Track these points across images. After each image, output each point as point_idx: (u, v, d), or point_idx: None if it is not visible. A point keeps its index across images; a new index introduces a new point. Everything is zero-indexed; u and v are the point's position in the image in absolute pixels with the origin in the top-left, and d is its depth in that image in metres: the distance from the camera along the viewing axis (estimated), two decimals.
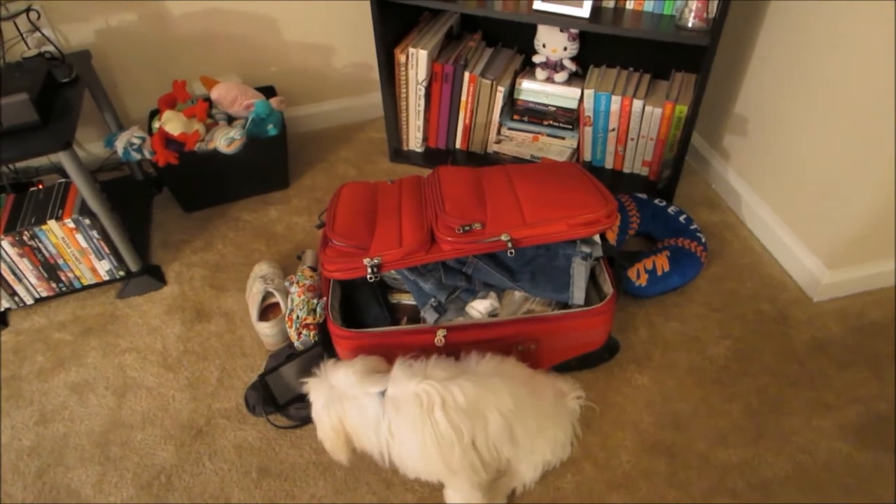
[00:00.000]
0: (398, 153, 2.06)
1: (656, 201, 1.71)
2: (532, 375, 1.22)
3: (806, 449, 1.27)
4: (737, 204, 1.81)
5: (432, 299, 1.32)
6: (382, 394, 1.07)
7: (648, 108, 1.76)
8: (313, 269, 1.50)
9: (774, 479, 1.23)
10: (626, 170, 1.94)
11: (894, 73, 1.24)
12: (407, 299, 1.42)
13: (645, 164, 1.90)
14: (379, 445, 1.08)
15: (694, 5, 1.48)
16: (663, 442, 1.29)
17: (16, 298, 1.58)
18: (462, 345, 1.26)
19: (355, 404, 1.07)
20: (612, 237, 1.60)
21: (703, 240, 1.62)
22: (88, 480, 1.28)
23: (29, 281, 1.56)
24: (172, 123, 1.68)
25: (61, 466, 1.31)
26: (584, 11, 1.55)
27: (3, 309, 1.59)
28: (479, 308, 1.33)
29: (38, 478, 1.29)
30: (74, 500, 1.25)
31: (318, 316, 1.39)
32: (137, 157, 1.67)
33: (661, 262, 1.55)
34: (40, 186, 1.64)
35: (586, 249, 1.33)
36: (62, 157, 1.38)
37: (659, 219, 1.68)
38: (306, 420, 1.34)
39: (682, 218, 1.66)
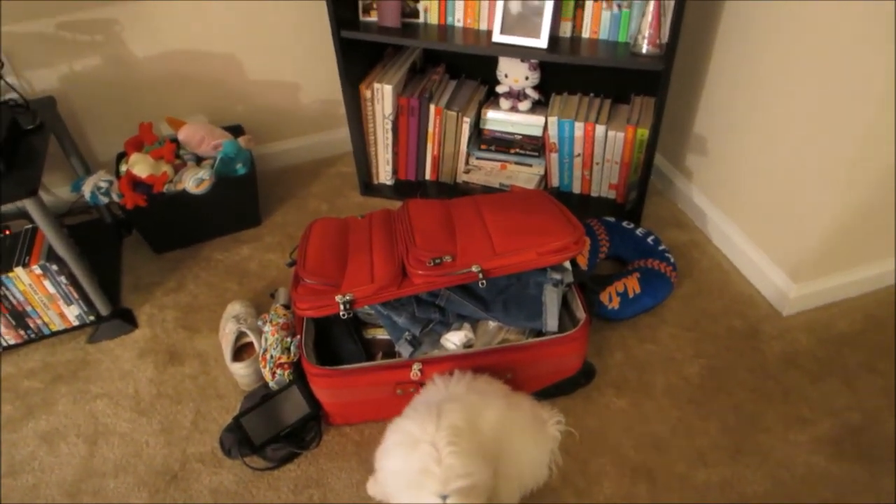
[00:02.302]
0: (369, 187, 2.07)
1: (624, 224, 1.74)
2: (507, 393, 1.22)
3: (783, 464, 1.29)
4: (703, 222, 1.85)
5: (406, 333, 1.32)
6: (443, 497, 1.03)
7: (611, 133, 1.79)
8: (286, 307, 1.49)
9: (754, 496, 1.24)
10: (594, 194, 1.98)
11: (849, 87, 1.29)
12: (381, 334, 1.42)
13: (612, 188, 1.93)
14: None
15: (647, 32, 1.52)
16: (643, 465, 1.30)
17: None
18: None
19: None
20: (582, 262, 1.62)
21: (672, 260, 1.64)
22: None
23: None
24: (140, 166, 1.68)
25: None
26: (542, 42, 1.59)
27: None
28: (454, 340, 1.33)
29: None
30: None
31: (292, 355, 1.37)
32: (105, 200, 1.66)
33: (632, 285, 1.56)
34: (7, 233, 1.61)
35: (557, 276, 1.34)
36: (28, 204, 1.36)
37: (628, 241, 1.71)
38: (283, 461, 1.32)
39: (650, 239, 1.69)
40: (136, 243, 1.91)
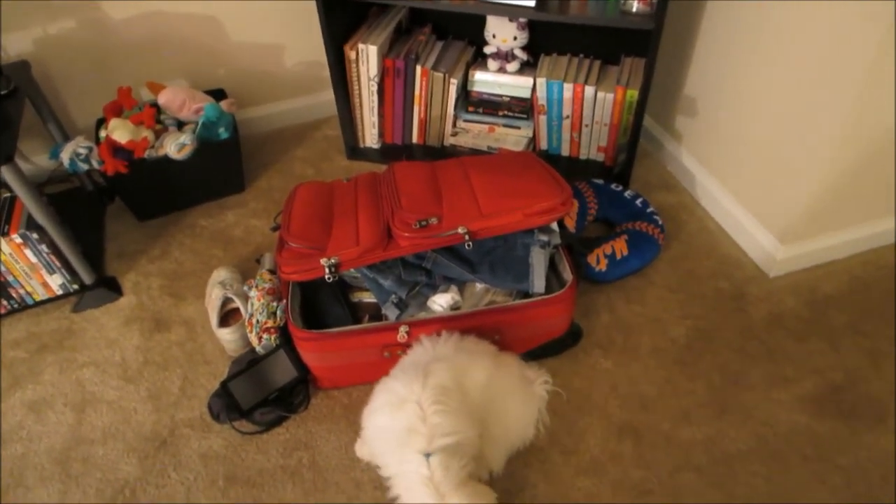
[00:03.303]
0: (355, 150, 2.04)
1: (613, 186, 1.73)
2: (495, 353, 1.23)
3: (766, 422, 1.30)
4: (691, 184, 1.84)
5: (393, 296, 1.31)
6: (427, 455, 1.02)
7: (600, 94, 1.77)
8: (272, 272, 1.48)
9: (737, 454, 1.25)
10: (583, 156, 1.96)
11: (842, 49, 1.27)
12: (368, 298, 1.42)
13: (600, 150, 1.92)
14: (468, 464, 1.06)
15: None
16: (629, 424, 1.31)
17: None
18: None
19: (444, 478, 1.01)
20: (570, 224, 1.61)
21: (660, 222, 1.64)
22: (50, 499, 1.25)
23: None
24: (119, 131, 1.64)
25: (21, 487, 1.27)
26: (530, 0, 1.55)
27: None
28: (441, 302, 1.33)
29: None
30: None
31: (278, 319, 1.37)
32: (85, 167, 1.63)
33: (620, 247, 1.56)
34: None
35: (544, 238, 1.34)
36: (3, 172, 1.33)
37: (616, 203, 1.70)
38: (272, 424, 1.33)
39: (638, 201, 1.68)
40: (119, 211, 1.89)
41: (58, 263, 1.53)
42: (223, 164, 1.84)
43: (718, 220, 1.75)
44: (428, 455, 1.00)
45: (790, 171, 1.48)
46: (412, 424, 1.03)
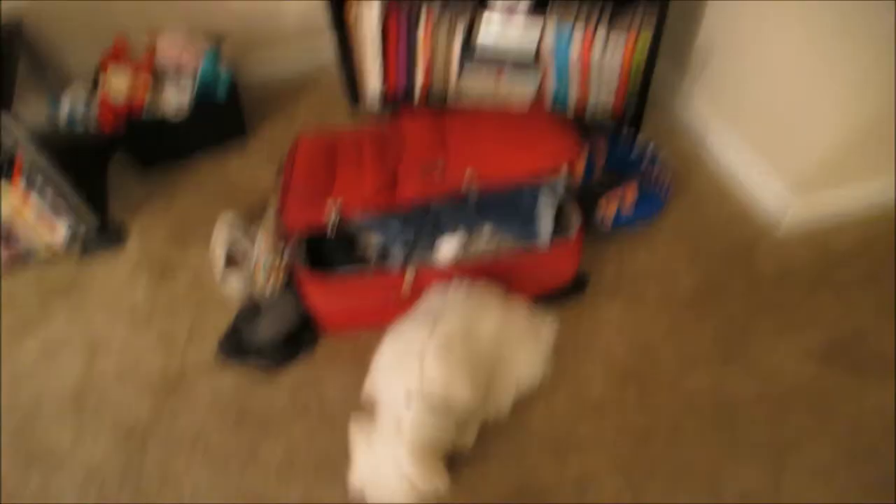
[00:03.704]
0: (358, 100, 2.01)
1: (623, 135, 1.70)
2: (505, 300, 1.23)
3: (772, 371, 1.31)
4: (704, 133, 1.81)
5: (399, 241, 1.31)
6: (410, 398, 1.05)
7: (611, 41, 1.72)
8: (278, 216, 1.48)
9: (741, 401, 1.26)
10: (592, 104, 1.92)
11: None
12: (374, 242, 1.41)
13: (610, 97, 1.88)
14: (451, 422, 1.08)
15: None
16: (634, 369, 1.32)
17: None
18: (431, 286, 1.26)
19: (413, 429, 1.03)
20: (578, 172, 1.59)
21: (670, 172, 1.62)
22: (66, 436, 1.28)
23: None
24: (117, 80, 1.62)
25: (38, 424, 1.30)
26: None
27: None
28: (447, 248, 1.32)
29: (17, 435, 1.29)
30: (54, 456, 1.25)
31: (284, 263, 1.37)
32: (84, 123, 1.62)
33: (629, 196, 1.54)
34: None
35: (551, 186, 1.32)
36: (3, 119, 1.33)
37: (625, 152, 1.68)
38: (279, 365, 1.34)
39: (648, 150, 1.66)
40: (123, 159, 1.87)
41: (62, 211, 1.54)
42: (224, 119, 1.84)
43: (731, 170, 1.72)
44: (411, 394, 1.03)
45: (809, 117, 1.44)
46: (411, 366, 1.05)
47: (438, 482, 1.02)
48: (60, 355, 1.42)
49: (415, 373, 1.04)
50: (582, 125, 1.79)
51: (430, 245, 1.32)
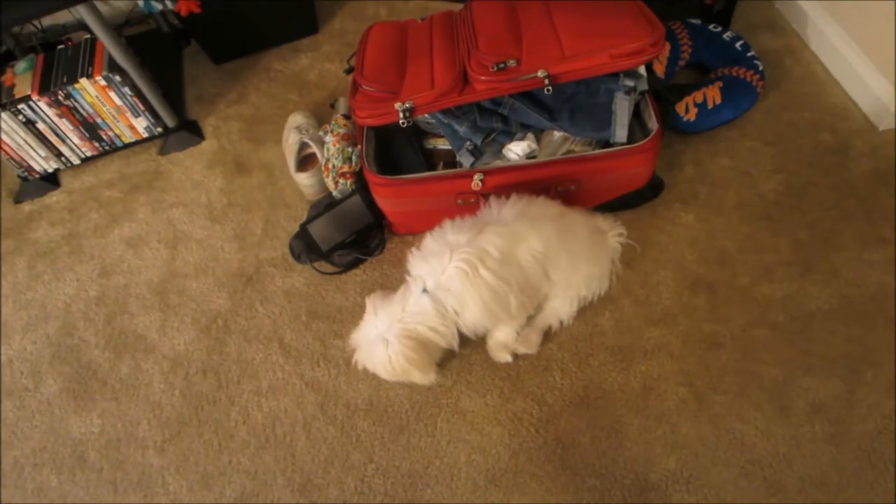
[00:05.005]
0: None
1: (711, 27, 1.57)
2: (563, 213, 1.20)
3: (854, 282, 1.25)
4: (802, 25, 1.65)
5: (468, 143, 1.28)
6: (425, 290, 1.07)
7: None
8: (347, 116, 1.47)
9: (818, 312, 1.22)
10: None
11: None
12: (442, 144, 1.39)
13: None
14: (450, 330, 1.10)
15: None
16: (705, 278, 1.28)
17: (62, 159, 1.62)
18: (500, 188, 1.24)
19: (413, 314, 1.08)
20: (659, 69, 1.50)
21: (761, 67, 1.49)
22: (153, 325, 1.37)
23: (72, 141, 1.58)
24: None
25: (127, 314, 1.40)
26: None
27: (52, 170, 1.64)
28: (517, 150, 1.29)
29: (108, 324, 1.39)
30: (142, 344, 1.35)
31: (353, 164, 1.38)
32: (159, 6, 1.61)
33: (713, 94, 1.45)
34: (69, 44, 1.60)
35: (630, 83, 1.25)
36: (82, 11, 1.34)
37: (713, 46, 1.55)
38: (349, 266, 1.38)
39: (738, 44, 1.53)
40: (195, 54, 1.88)
41: (141, 106, 1.57)
42: (293, 14, 1.81)
43: (828, 66, 1.58)
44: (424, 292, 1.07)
45: None
46: (435, 267, 1.07)
47: (415, 372, 1.08)
48: (145, 249, 1.50)
49: (435, 275, 1.06)
50: (667, 14, 1.66)
51: (499, 148, 1.29)
